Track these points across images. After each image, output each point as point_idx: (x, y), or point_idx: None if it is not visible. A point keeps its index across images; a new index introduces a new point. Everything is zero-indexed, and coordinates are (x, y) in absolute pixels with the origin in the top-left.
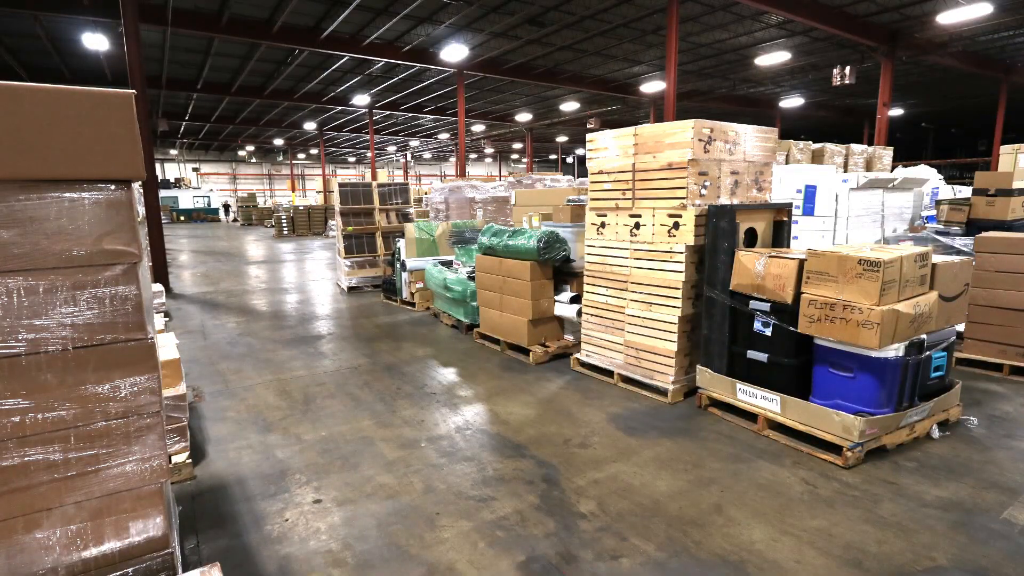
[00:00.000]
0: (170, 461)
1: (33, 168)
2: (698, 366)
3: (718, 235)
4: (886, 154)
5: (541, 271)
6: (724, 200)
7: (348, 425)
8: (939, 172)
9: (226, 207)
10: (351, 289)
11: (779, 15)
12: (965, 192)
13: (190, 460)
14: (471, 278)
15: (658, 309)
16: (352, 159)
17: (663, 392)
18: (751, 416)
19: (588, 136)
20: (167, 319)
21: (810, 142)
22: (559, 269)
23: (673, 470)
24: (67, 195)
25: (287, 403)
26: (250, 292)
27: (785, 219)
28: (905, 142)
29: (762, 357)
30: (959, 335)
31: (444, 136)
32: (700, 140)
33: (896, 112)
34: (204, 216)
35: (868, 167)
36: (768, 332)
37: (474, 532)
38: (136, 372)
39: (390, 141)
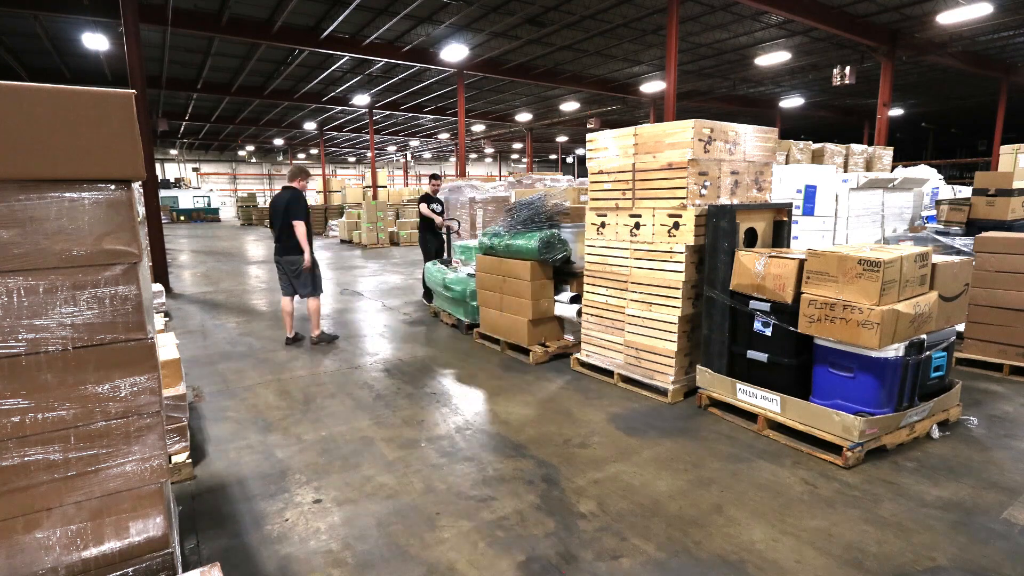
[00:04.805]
0: (170, 461)
1: (33, 168)
2: (698, 366)
3: (718, 235)
4: (886, 154)
5: (541, 271)
6: (724, 200)
7: (348, 425)
8: (939, 172)
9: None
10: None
11: (779, 15)
12: (965, 192)
13: (190, 460)
14: (471, 277)
15: (658, 309)
16: (352, 159)
17: (663, 392)
18: (751, 416)
19: (588, 136)
20: (167, 319)
21: (810, 142)
22: (559, 269)
23: (673, 470)
24: (67, 195)
25: (287, 403)
26: (250, 292)
27: (785, 219)
28: (905, 142)
29: (762, 357)
30: (959, 335)
31: (444, 136)
32: (700, 140)
33: (896, 112)
34: (204, 216)
35: (868, 167)
36: (768, 332)
37: (474, 532)
38: (136, 372)
39: (390, 141)
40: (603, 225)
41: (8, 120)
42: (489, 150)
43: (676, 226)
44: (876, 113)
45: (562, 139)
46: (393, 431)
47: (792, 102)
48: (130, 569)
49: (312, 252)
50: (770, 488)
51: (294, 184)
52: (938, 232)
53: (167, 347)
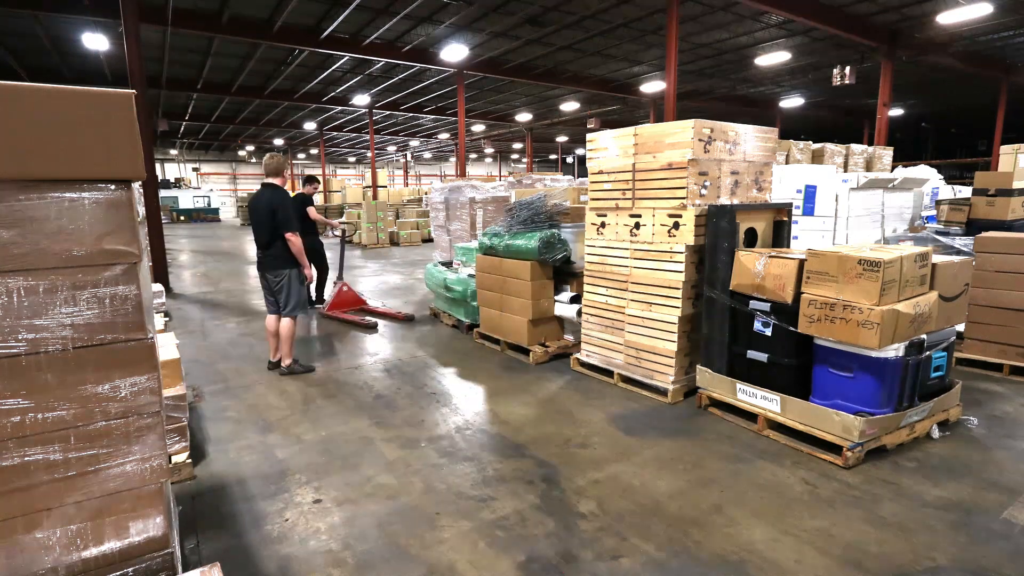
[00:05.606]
0: (170, 461)
1: (33, 168)
2: (698, 366)
3: (718, 235)
4: (886, 154)
5: (541, 271)
6: (724, 200)
7: (348, 425)
8: (939, 172)
9: None
10: None
11: (779, 15)
12: (965, 192)
13: (190, 460)
14: (471, 278)
15: (658, 309)
16: (352, 159)
17: (663, 392)
18: (751, 416)
19: (588, 136)
20: (167, 319)
21: (810, 142)
22: (559, 269)
23: (673, 470)
24: (67, 195)
25: (287, 403)
26: (250, 292)
27: (785, 219)
28: (905, 142)
29: (762, 357)
30: (959, 335)
31: (444, 136)
32: (700, 140)
33: (896, 112)
34: (204, 216)
35: (868, 167)
36: (768, 332)
37: (474, 532)
38: (136, 372)
39: (390, 141)
40: (603, 225)
41: (8, 120)
42: (489, 150)
43: (676, 226)
44: (876, 113)
45: (562, 139)
46: (393, 431)
47: (792, 102)
48: (130, 569)
49: (310, 265)
50: (770, 488)
51: (276, 181)
52: (938, 232)
53: (167, 347)
